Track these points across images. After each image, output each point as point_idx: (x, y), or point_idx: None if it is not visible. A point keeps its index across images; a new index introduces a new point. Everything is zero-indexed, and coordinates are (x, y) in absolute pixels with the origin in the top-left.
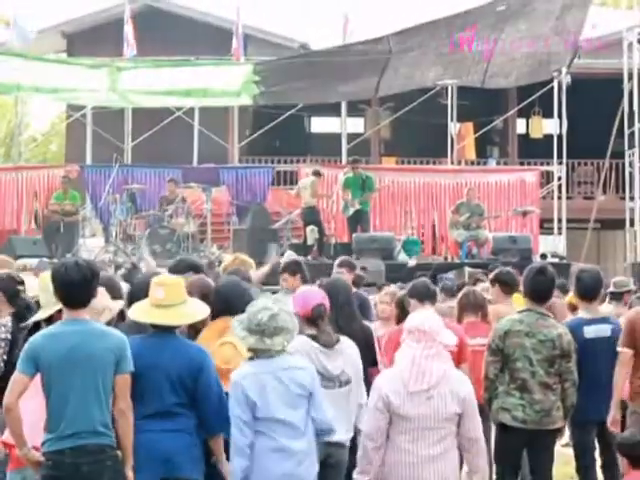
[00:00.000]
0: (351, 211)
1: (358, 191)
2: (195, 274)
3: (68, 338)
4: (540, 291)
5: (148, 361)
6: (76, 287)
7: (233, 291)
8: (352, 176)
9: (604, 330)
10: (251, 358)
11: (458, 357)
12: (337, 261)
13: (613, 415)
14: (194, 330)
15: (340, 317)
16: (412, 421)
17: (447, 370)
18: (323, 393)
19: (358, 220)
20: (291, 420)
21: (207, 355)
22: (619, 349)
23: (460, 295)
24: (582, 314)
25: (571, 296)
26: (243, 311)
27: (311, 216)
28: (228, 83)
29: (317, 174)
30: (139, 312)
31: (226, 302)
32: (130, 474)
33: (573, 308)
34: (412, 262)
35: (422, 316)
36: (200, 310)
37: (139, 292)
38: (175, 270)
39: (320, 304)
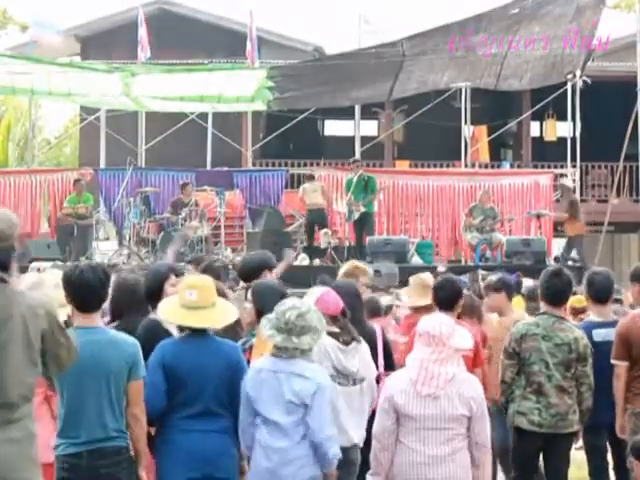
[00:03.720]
0: (356, 215)
1: (360, 193)
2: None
3: (80, 349)
4: (556, 294)
5: (189, 363)
6: (90, 290)
7: (267, 295)
8: (355, 178)
9: (614, 334)
10: (273, 355)
11: (473, 361)
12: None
13: (620, 424)
14: (232, 331)
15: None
16: (417, 421)
17: (457, 373)
18: (338, 391)
19: (363, 223)
20: (283, 423)
21: (242, 354)
22: (613, 362)
23: None
24: (593, 317)
25: (574, 299)
26: None
27: (321, 218)
28: (242, 89)
29: (313, 178)
30: (168, 313)
31: (261, 306)
32: (143, 474)
33: (575, 312)
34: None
35: (434, 320)
36: (230, 312)
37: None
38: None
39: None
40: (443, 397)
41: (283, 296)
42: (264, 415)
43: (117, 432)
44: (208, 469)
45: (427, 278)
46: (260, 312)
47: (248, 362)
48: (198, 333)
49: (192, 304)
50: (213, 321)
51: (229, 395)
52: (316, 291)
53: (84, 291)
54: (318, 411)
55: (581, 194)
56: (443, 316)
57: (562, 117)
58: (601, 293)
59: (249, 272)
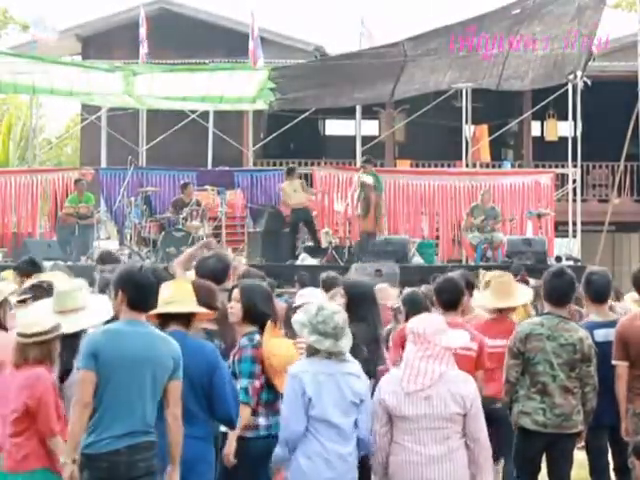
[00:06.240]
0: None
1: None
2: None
3: (130, 337)
4: (559, 294)
5: None
6: (152, 291)
7: (257, 294)
8: (360, 178)
9: (614, 334)
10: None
11: (476, 363)
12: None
13: (625, 426)
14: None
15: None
16: (412, 421)
17: (445, 371)
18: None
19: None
20: (343, 425)
21: (219, 354)
22: (614, 362)
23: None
24: (592, 317)
25: None
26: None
27: (307, 216)
28: (243, 90)
29: (293, 171)
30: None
31: (250, 306)
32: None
33: None
34: None
35: (419, 319)
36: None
37: None
38: None
39: None
40: (435, 396)
41: (269, 295)
42: (325, 419)
43: (151, 427)
44: (186, 476)
45: (510, 279)
46: (247, 312)
47: (253, 359)
48: (175, 332)
49: (168, 299)
50: (189, 309)
51: (206, 397)
52: (306, 292)
53: (144, 290)
54: (369, 408)
55: (582, 194)
56: (432, 315)
57: (563, 117)
58: (599, 293)
59: (218, 275)
